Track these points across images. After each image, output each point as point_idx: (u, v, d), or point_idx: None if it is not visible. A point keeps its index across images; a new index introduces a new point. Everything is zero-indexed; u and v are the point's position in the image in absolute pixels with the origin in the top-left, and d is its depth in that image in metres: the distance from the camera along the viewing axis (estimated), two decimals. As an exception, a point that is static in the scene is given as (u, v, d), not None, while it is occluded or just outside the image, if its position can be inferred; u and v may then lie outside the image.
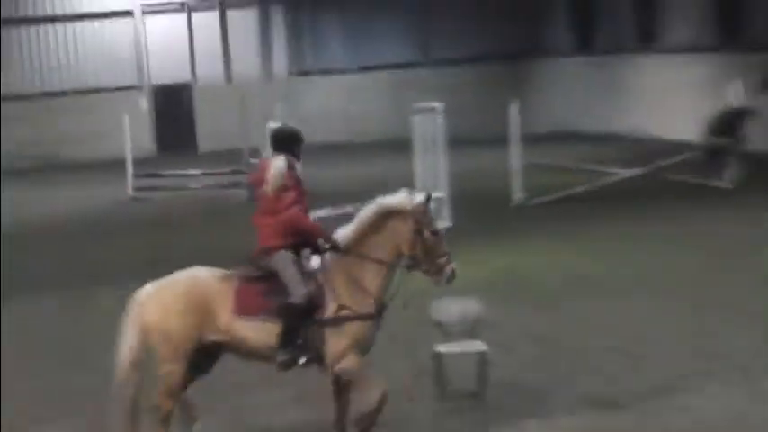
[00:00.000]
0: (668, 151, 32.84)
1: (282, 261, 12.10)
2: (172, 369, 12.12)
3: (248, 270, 12.26)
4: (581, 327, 16.85)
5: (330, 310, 11.97)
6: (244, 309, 12.03)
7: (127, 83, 50.16)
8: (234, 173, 34.25)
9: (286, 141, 12.51)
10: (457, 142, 28.88)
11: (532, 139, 35.15)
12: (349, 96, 50.60)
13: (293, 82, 51.24)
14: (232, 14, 51.26)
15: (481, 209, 27.89)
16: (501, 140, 30.62)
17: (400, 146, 30.85)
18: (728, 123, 30.39)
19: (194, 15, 51.19)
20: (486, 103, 43.70)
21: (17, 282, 22.94)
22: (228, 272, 12.29)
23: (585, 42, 50.02)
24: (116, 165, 37.93)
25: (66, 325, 19.39)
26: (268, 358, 12.23)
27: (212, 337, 12.10)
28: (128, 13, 50.62)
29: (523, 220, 26.65)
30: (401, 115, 32.50)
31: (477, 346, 13.72)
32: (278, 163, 12.28)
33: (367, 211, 12.34)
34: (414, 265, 12.45)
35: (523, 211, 28.01)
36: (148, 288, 12.30)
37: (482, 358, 13.61)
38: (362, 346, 12.09)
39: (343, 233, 12.27)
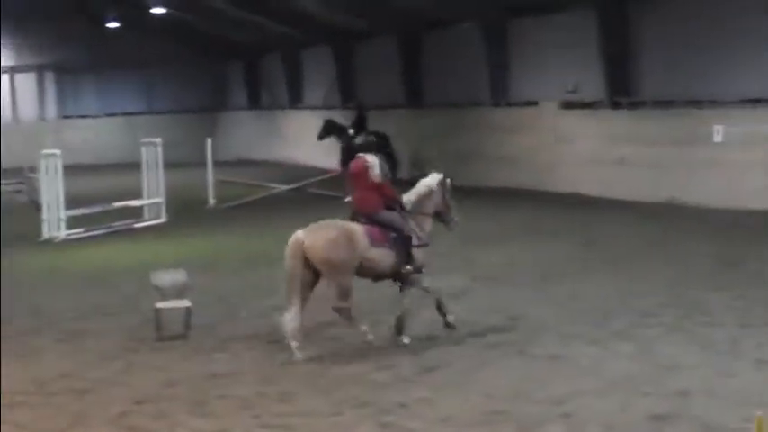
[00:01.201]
0: (311, 173, 33.07)
1: (389, 214, 12.70)
2: (340, 282, 12.25)
3: (362, 221, 12.68)
4: (256, 289, 16.46)
5: (415, 240, 12.75)
6: (374, 241, 12.39)
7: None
8: (18, 183, 32.91)
9: (368, 147, 13.51)
10: (170, 165, 28.46)
11: (221, 164, 35.26)
12: (98, 133, 49.82)
13: (60, 123, 49.90)
14: (18, 76, 49.54)
15: (187, 210, 27.51)
16: (200, 164, 30.43)
17: (132, 167, 30.29)
18: (351, 154, 30.84)
19: (-9, 78, 49.24)
20: (190, 139, 43.36)
21: None
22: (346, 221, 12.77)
23: (255, 101, 50.25)
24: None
25: None
26: (387, 274, 12.73)
27: (357, 260, 12.31)
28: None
29: (215, 218, 26.40)
30: (133, 146, 31.92)
31: (184, 303, 13.28)
32: (378, 161, 12.86)
33: (420, 186, 13.10)
34: (439, 217, 13.20)
35: (215, 212, 27.75)
36: (301, 233, 12.30)
37: (187, 311, 13.20)
38: None
39: (406, 198, 12.99)
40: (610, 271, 16.76)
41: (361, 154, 13.04)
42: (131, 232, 24.29)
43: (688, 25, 26.21)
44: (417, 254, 12.74)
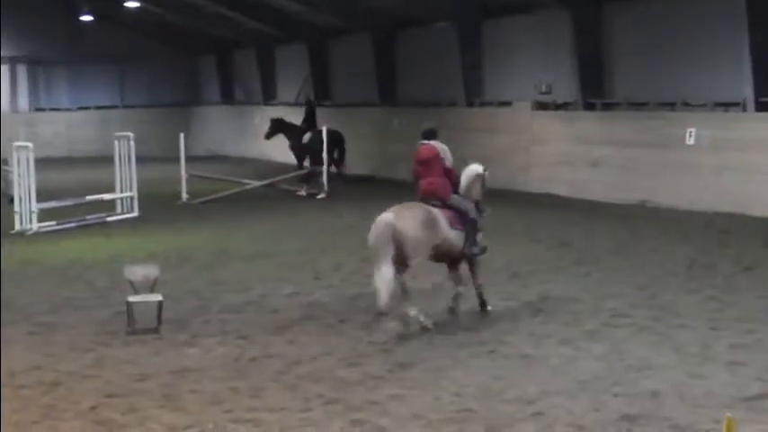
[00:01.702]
0: (283, 170, 33.06)
1: (459, 199, 13.47)
2: (420, 261, 12.88)
3: (437, 204, 13.27)
4: (228, 284, 16.44)
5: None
6: (452, 224, 13.13)
7: None
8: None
9: (434, 134, 13.64)
10: (143, 159, 28.41)
11: (194, 159, 35.30)
12: (70, 126, 49.65)
13: (32, 116, 49.66)
14: (-11, 68, 49.37)
15: (159, 205, 27.43)
16: (173, 159, 30.34)
17: (105, 161, 30.19)
18: (316, 154, 30.85)
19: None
20: (163, 133, 43.38)
21: None
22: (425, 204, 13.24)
23: (228, 96, 50.19)
24: None
25: None
26: (458, 256, 13.45)
27: (437, 241, 12.95)
28: None
29: (188, 214, 26.31)
30: (106, 140, 31.89)
31: (156, 297, 13.24)
32: (446, 147, 13.51)
33: (468, 174, 13.82)
34: (475, 206, 13.77)
35: (188, 207, 27.65)
36: (389, 214, 12.67)
37: (159, 306, 13.16)
38: None
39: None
40: (581, 272, 16.85)
41: (425, 141, 13.62)
42: (104, 226, 24.19)
43: (662, 28, 26.34)
44: (480, 237, 13.62)
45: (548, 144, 28.53)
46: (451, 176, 13.54)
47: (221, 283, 16.60)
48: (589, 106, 28.18)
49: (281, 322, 13.67)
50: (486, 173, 14.06)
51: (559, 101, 29.28)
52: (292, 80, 43.50)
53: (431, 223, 12.87)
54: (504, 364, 11.41)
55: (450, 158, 13.45)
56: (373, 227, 12.70)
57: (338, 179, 30.97)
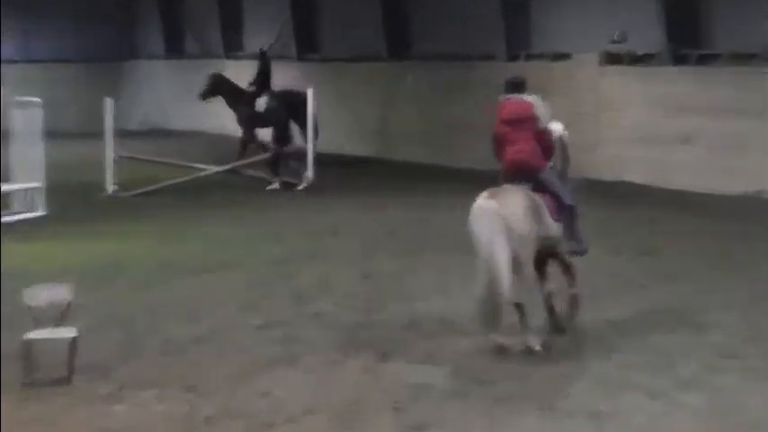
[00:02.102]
0: (251, 150, 32.97)
1: (551, 175, 13.83)
2: (530, 260, 13.35)
3: (526, 185, 13.61)
4: (171, 311, 16.30)
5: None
6: (553, 214, 13.54)
7: None
8: None
9: (522, 85, 14.30)
10: (53, 135, 28.33)
11: (126, 134, 35.32)
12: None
13: None
14: None
15: (76, 199, 27.45)
16: (96, 134, 30.34)
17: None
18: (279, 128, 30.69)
19: None
20: (82, 99, 43.36)
21: None
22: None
23: (176, 48, 50.25)
24: None
25: None
26: (556, 252, 13.93)
27: (542, 234, 13.42)
28: None
29: (117, 211, 26.28)
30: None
31: (68, 332, 12.99)
32: (541, 102, 14.01)
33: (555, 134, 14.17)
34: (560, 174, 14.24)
35: (116, 201, 27.66)
36: (491, 202, 13.09)
37: (72, 344, 12.92)
38: None
39: None
40: (673, 292, 16.78)
41: (514, 95, 14.16)
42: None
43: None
44: (580, 229, 14.20)
45: (622, 112, 28.52)
46: (544, 140, 13.80)
47: (162, 309, 16.44)
48: (679, 60, 28.12)
49: (248, 366, 13.48)
50: (566, 132, 14.36)
51: (638, 52, 29.21)
52: (265, 25, 43.42)
53: (536, 213, 13.25)
54: (563, 425, 11.24)
55: (546, 115, 13.91)
56: (474, 217, 13.09)
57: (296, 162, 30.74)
